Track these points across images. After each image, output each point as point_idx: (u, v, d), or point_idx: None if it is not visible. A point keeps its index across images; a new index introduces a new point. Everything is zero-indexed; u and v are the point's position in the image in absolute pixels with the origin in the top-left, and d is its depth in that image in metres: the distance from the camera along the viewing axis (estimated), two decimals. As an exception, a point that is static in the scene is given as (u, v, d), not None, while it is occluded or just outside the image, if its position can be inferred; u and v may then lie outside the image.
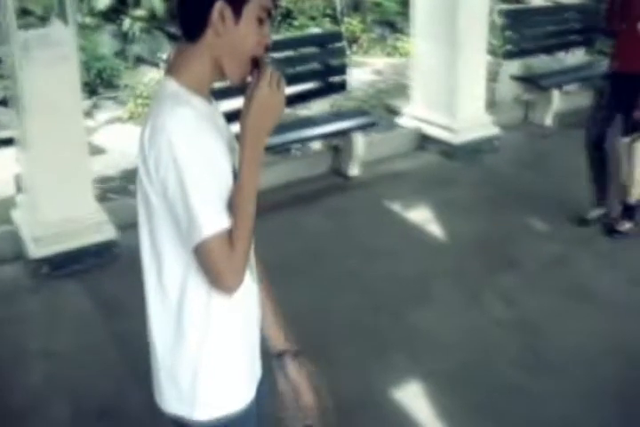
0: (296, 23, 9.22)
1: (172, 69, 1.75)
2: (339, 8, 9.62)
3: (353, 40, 9.26)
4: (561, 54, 7.88)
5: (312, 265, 4.65)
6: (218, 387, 1.82)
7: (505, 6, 8.28)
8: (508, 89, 7.28)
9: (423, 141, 6.48)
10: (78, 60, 4.61)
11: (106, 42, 8.35)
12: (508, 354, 3.84)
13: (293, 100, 5.63)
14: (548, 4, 8.26)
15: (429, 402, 3.50)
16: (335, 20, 9.55)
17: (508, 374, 3.68)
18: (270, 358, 2.02)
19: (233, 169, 1.70)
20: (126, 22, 8.52)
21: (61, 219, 4.54)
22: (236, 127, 1.74)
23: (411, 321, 4.10)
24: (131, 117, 7.00)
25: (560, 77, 7.17)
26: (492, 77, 7.12)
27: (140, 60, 8.40)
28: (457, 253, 4.83)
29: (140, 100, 7.00)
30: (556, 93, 6.95)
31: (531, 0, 8.92)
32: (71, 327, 4.11)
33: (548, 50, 7.68)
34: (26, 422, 3.42)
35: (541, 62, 7.67)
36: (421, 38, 6.53)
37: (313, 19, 9.42)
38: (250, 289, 1.84)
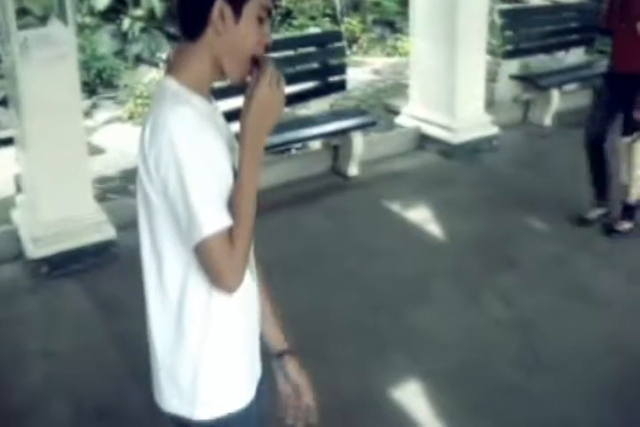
0: (296, 23, 9.22)
1: (171, 68, 1.75)
2: (338, 8, 9.63)
3: (352, 40, 9.27)
4: (560, 54, 7.90)
5: (311, 265, 4.65)
6: (218, 386, 1.82)
7: (504, 6, 8.29)
8: (508, 88, 7.28)
9: (422, 141, 6.48)
10: (77, 60, 4.60)
11: (105, 42, 8.35)
12: (507, 354, 3.85)
13: (293, 99, 5.63)
14: (547, 3, 8.27)
15: (428, 402, 3.50)
16: (335, 19, 9.56)
17: (507, 373, 3.68)
18: (270, 358, 2.02)
19: (233, 168, 1.70)
20: (125, 22, 8.53)
21: (60, 219, 4.54)
22: (235, 126, 1.75)
23: (410, 321, 4.10)
24: (130, 117, 7.01)
25: (559, 77, 7.18)
26: (492, 77, 7.12)
27: (139, 60, 8.40)
28: (456, 253, 4.83)
29: (139, 100, 7.00)
30: (555, 93, 6.94)
31: (530, -1, 8.94)
32: (70, 327, 4.11)
33: (547, 49, 7.70)
34: (25, 423, 3.42)
35: (540, 62, 7.69)
36: (420, 38, 6.53)
37: (312, 18, 9.43)
38: (250, 288, 1.84)
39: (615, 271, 4.55)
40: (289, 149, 6.05)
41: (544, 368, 3.72)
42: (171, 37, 8.54)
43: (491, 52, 7.17)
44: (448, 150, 6.28)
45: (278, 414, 2.05)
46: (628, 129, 4.67)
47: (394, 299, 4.30)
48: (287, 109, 5.70)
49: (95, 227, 4.68)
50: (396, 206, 5.48)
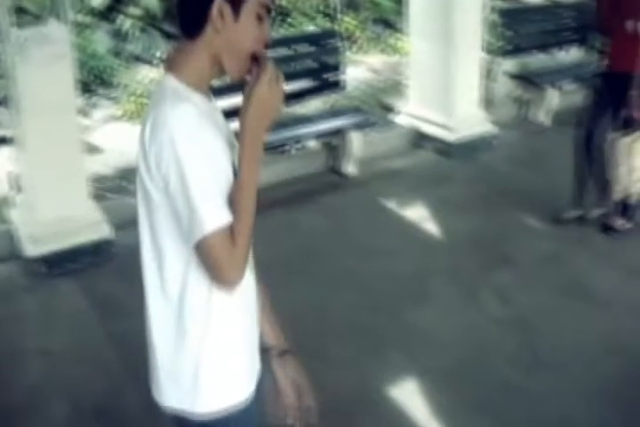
0: (291, 21, 9.20)
1: (171, 66, 1.76)
2: (334, 6, 9.61)
3: (348, 38, 9.25)
4: (556, 52, 7.89)
5: (309, 263, 4.64)
6: (219, 381, 1.83)
7: (501, 4, 8.27)
8: (504, 87, 7.28)
9: (419, 139, 6.48)
10: (74, 59, 4.60)
11: (101, 40, 8.32)
12: (505, 352, 3.85)
13: (289, 98, 5.62)
14: (545, 2, 8.26)
15: (426, 400, 3.50)
16: (332, 18, 9.54)
17: (506, 372, 3.69)
18: (269, 357, 2.03)
19: (233, 166, 1.71)
20: (121, 20, 8.51)
21: (58, 218, 4.53)
22: (234, 124, 1.75)
23: (408, 319, 4.10)
24: (127, 116, 6.99)
25: (556, 75, 7.17)
26: (487, 75, 7.11)
27: (136, 59, 8.38)
28: (453, 251, 4.83)
29: (134, 99, 6.99)
30: (551, 91, 6.95)
31: (526, -2, 8.92)
32: (68, 326, 4.11)
33: (544, 48, 7.68)
34: (23, 421, 3.41)
35: (537, 60, 7.68)
36: (417, 37, 6.53)
37: (309, 17, 9.41)
38: (250, 285, 1.86)
39: (613, 269, 4.55)
40: (287, 148, 6.03)
41: (542, 367, 3.72)
42: (168, 36, 8.52)
43: (486, 50, 7.16)
44: (445, 149, 6.28)
45: (278, 413, 2.05)
46: (619, 127, 4.66)
47: (392, 297, 4.30)
48: (284, 108, 5.68)
49: (92, 226, 4.68)
50: (393, 205, 5.48)
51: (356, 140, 5.88)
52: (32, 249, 4.54)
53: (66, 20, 4.40)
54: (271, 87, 1.70)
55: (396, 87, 7.45)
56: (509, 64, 7.31)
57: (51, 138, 4.44)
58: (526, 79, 7.13)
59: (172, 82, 1.72)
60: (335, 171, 5.99)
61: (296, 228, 5.09)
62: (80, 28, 7.92)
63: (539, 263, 4.66)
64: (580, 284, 4.42)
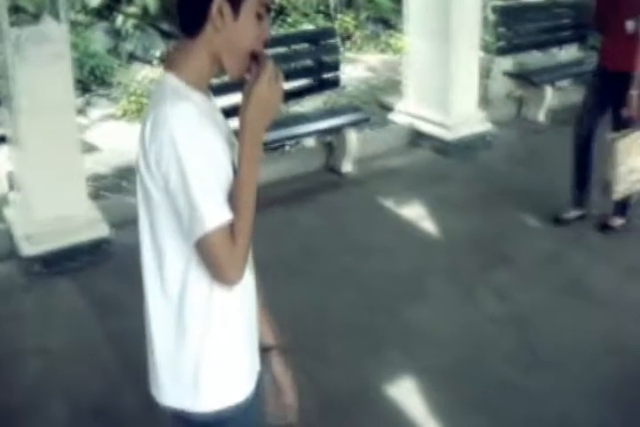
0: (289, 20, 9.20)
1: (171, 65, 1.76)
2: (332, 5, 9.61)
3: (346, 37, 9.25)
4: (554, 50, 7.90)
5: (306, 262, 4.65)
6: (220, 379, 1.83)
7: (498, 2, 8.28)
8: (501, 85, 7.29)
9: (416, 138, 6.48)
10: (71, 58, 4.59)
11: (99, 39, 8.32)
12: (503, 350, 3.85)
13: (286, 96, 5.60)
14: (542, 0, 8.26)
15: (424, 398, 3.50)
16: (328, 16, 9.54)
17: (503, 370, 3.69)
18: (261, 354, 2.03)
19: (232, 164, 1.72)
20: (119, 19, 8.49)
21: (54, 217, 4.53)
22: (233, 123, 1.75)
23: (405, 318, 4.10)
24: (124, 115, 6.98)
25: (553, 74, 7.19)
26: (485, 74, 7.12)
27: (132, 58, 8.37)
28: (451, 250, 4.83)
29: (133, 98, 6.97)
30: (548, 90, 6.96)
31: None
32: (65, 325, 4.10)
33: (541, 46, 7.70)
34: (21, 420, 3.41)
35: (534, 59, 7.68)
36: (414, 35, 6.53)
37: (306, 15, 9.41)
38: (249, 283, 1.86)
39: (611, 268, 4.55)
40: (283, 147, 6.04)
41: (541, 366, 3.72)
42: (166, 35, 8.52)
43: (484, 48, 7.17)
44: (442, 147, 6.28)
45: (277, 413, 2.07)
46: (618, 127, 4.66)
47: (390, 296, 4.30)
48: (283, 107, 5.70)
49: (90, 225, 4.68)
50: (390, 203, 5.48)
51: (353, 139, 5.88)
52: (30, 248, 4.53)
53: (64, 19, 4.39)
54: (271, 86, 1.70)
55: (394, 86, 7.45)
56: (507, 63, 7.32)
57: (49, 137, 4.43)
58: (524, 78, 7.14)
59: (172, 80, 1.73)
60: (333, 169, 5.99)
61: (294, 226, 5.09)
62: (78, 27, 7.92)
63: (537, 262, 4.66)
64: (578, 283, 4.42)
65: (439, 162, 6.19)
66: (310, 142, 6.15)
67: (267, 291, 2.02)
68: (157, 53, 8.07)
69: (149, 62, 8.05)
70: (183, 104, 1.65)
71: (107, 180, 5.71)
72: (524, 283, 4.42)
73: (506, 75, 7.25)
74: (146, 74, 7.38)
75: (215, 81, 1.85)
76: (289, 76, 5.75)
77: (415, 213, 5.31)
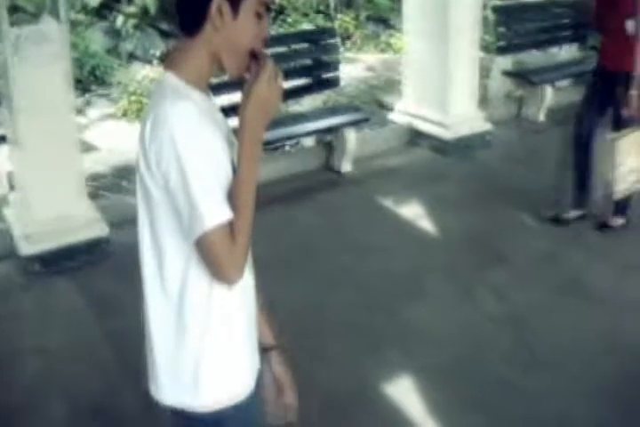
0: (289, 19, 9.21)
1: (170, 64, 1.77)
2: (332, 4, 9.62)
3: (346, 36, 9.26)
4: (553, 50, 7.90)
5: (305, 261, 4.65)
6: (220, 377, 1.84)
7: (497, 2, 8.29)
8: (500, 85, 7.29)
9: (415, 137, 6.48)
10: (70, 57, 4.59)
11: (98, 39, 8.32)
12: (500, 349, 3.85)
13: (286, 96, 5.60)
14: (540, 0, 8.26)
15: (422, 397, 3.50)
16: (328, 16, 9.55)
17: (501, 369, 3.69)
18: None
19: (232, 163, 1.72)
20: (118, 19, 8.50)
21: (53, 216, 4.53)
22: (232, 121, 1.76)
23: (403, 317, 4.11)
24: (123, 114, 6.99)
25: (552, 73, 7.19)
26: (485, 73, 7.12)
27: (132, 57, 8.38)
28: (449, 249, 4.84)
29: (132, 98, 6.98)
30: (547, 89, 6.96)
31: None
32: (63, 325, 4.10)
33: (540, 46, 7.71)
34: (20, 420, 3.41)
35: (534, 58, 7.68)
36: (413, 34, 6.53)
37: (306, 15, 9.41)
38: (248, 281, 1.87)
39: (609, 267, 4.56)
40: (282, 146, 6.05)
41: (538, 364, 3.72)
42: (164, 34, 8.52)
43: (484, 48, 7.17)
44: (441, 146, 6.29)
45: (278, 412, 2.07)
46: (618, 126, 4.66)
47: (387, 295, 4.30)
48: (281, 106, 5.69)
49: (88, 224, 4.68)
50: (389, 202, 5.48)
51: (352, 138, 5.88)
52: (28, 247, 4.54)
53: (62, 18, 4.39)
54: (270, 85, 1.71)
55: (392, 85, 7.46)
56: (507, 62, 7.32)
57: (48, 137, 4.44)
58: (522, 77, 7.14)
59: (172, 80, 1.73)
60: (331, 168, 5.99)
61: (293, 225, 5.10)
62: (77, 26, 7.92)
63: (534, 261, 4.67)
64: (576, 281, 4.42)
65: (438, 161, 6.19)
66: (309, 142, 6.15)
67: (265, 290, 2.02)
68: (157, 53, 8.08)
69: (149, 62, 8.06)
70: (183, 103, 1.66)
71: (106, 179, 5.71)
72: (522, 282, 4.42)
73: (505, 74, 7.25)
74: (145, 74, 7.39)
75: (214, 80, 1.85)
76: (288, 75, 5.76)
77: (414, 212, 5.31)
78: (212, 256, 1.67)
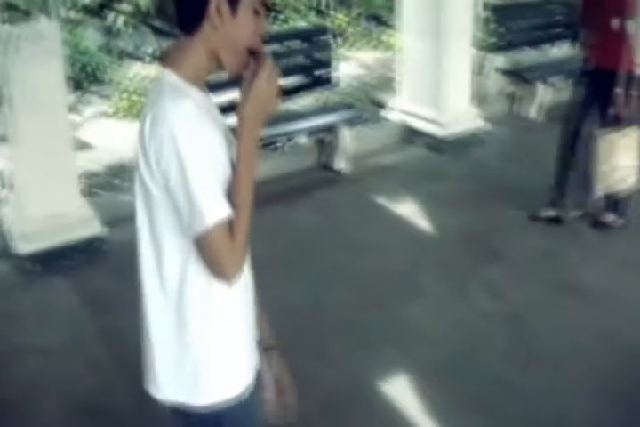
0: (282, 17, 9.19)
1: (169, 62, 1.78)
2: (324, 2, 9.60)
3: (339, 34, 9.24)
4: (547, 48, 7.90)
5: (300, 259, 4.65)
6: (219, 373, 1.85)
7: (491, 0, 8.28)
8: (495, 82, 7.29)
9: (410, 135, 6.48)
10: (62, 55, 4.58)
11: (91, 36, 8.30)
12: (497, 348, 3.85)
13: (280, 94, 5.61)
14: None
15: (418, 396, 3.50)
16: (322, 13, 9.53)
17: (498, 368, 3.69)
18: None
19: (231, 161, 1.73)
20: (111, 17, 8.47)
21: (49, 215, 4.52)
22: (228, 119, 1.75)
23: (399, 315, 4.11)
24: (116, 112, 6.97)
25: (547, 71, 7.18)
26: (479, 71, 7.12)
27: (125, 55, 8.35)
28: (445, 247, 4.84)
29: (125, 95, 6.97)
30: (542, 87, 6.96)
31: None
32: (59, 324, 4.10)
33: (535, 44, 7.69)
34: (15, 418, 3.41)
35: (528, 56, 7.68)
36: (408, 32, 6.53)
37: (300, 13, 9.40)
38: (247, 278, 1.88)
39: (604, 264, 4.56)
40: (277, 144, 6.03)
41: (535, 363, 3.73)
42: (157, 32, 8.50)
43: (478, 46, 7.16)
44: (436, 144, 6.29)
45: (278, 412, 2.07)
46: (605, 125, 4.66)
47: (383, 293, 4.30)
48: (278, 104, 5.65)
49: (82, 223, 4.67)
50: (384, 200, 5.48)
51: (347, 137, 5.88)
52: (24, 247, 4.53)
53: (56, 16, 4.39)
54: (269, 83, 1.73)
55: (387, 83, 7.44)
56: (501, 60, 7.31)
57: (41, 135, 4.42)
58: (517, 75, 7.14)
59: (171, 77, 1.74)
60: (327, 167, 5.99)
61: (288, 223, 5.09)
62: (71, 24, 7.90)
63: (530, 259, 4.67)
64: (572, 279, 4.42)
65: (432, 159, 6.19)
66: (304, 140, 6.14)
67: (262, 288, 2.02)
68: (150, 51, 8.06)
69: (142, 60, 8.04)
70: (182, 100, 1.67)
71: (99, 177, 5.70)
72: (517, 280, 4.42)
73: (499, 72, 7.26)
74: (138, 71, 7.38)
75: (211, 78, 1.85)
76: (282, 73, 5.74)
77: (409, 210, 5.31)
78: (211, 253, 1.68)
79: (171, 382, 1.85)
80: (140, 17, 8.61)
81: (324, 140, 5.99)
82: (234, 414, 1.85)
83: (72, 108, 6.45)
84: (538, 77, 6.99)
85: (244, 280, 1.84)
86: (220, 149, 1.70)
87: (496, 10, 7.29)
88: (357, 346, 3.85)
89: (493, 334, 3.95)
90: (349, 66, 8.42)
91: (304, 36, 6.35)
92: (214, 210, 1.64)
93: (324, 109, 6.21)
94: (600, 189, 4.61)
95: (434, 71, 6.24)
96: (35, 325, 4.08)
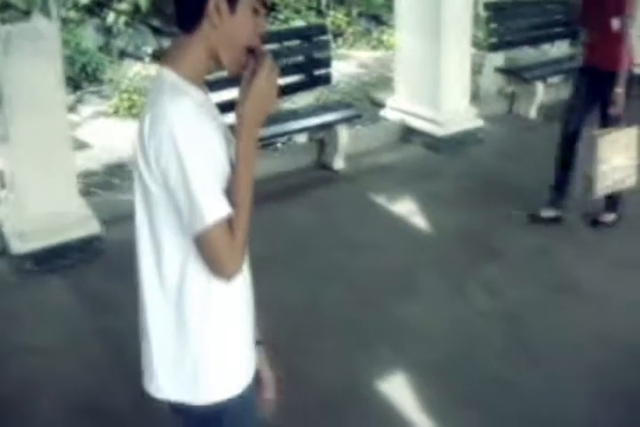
0: (281, 16, 9.19)
1: (168, 60, 1.78)
2: (324, 1, 9.60)
3: (338, 33, 9.25)
4: (545, 47, 7.91)
5: (297, 258, 4.65)
6: (220, 371, 1.86)
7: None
8: (493, 81, 7.30)
9: (408, 134, 6.48)
10: (62, 55, 4.58)
11: (90, 36, 8.29)
12: (493, 346, 3.86)
13: (279, 93, 5.61)
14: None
15: (415, 394, 3.51)
16: (320, 13, 9.53)
17: (494, 366, 3.70)
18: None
19: (230, 160, 1.74)
20: (110, 16, 8.47)
21: (45, 214, 4.52)
22: (227, 118, 1.76)
23: (396, 313, 4.11)
24: (115, 112, 6.97)
25: (544, 70, 7.20)
26: (477, 70, 7.13)
27: (124, 55, 8.36)
28: (442, 246, 4.84)
29: (124, 95, 6.97)
30: (539, 86, 6.97)
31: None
32: (56, 322, 4.10)
33: (533, 42, 7.71)
34: (12, 417, 3.41)
35: (526, 55, 7.69)
36: (405, 31, 6.54)
37: (298, 12, 9.40)
38: (246, 275, 1.89)
39: (601, 263, 4.57)
40: (275, 143, 6.04)
41: (532, 361, 3.73)
42: (156, 31, 8.50)
43: (476, 44, 7.18)
44: (433, 143, 6.29)
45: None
46: (604, 125, 4.67)
47: (380, 292, 4.31)
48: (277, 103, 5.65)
49: (80, 222, 4.67)
50: (382, 199, 5.48)
51: (344, 135, 5.89)
52: (20, 246, 4.53)
53: (53, 15, 4.38)
54: (269, 82, 1.74)
55: (384, 82, 7.45)
56: (498, 59, 7.32)
57: (40, 134, 4.43)
58: (515, 74, 7.15)
59: (170, 76, 1.74)
60: (324, 166, 5.99)
61: (285, 222, 5.09)
62: (68, 23, 7.89)
63: (527, 257, 4.68)
64: (568, 278, 4.43)
65: (430, 158, 6.20)
66: (302, 139, 6.15)
67: (257, 286, 2.03)
68: (149, 50, 8.06)
69: (141, 59, 8.04)
70: (182, 99, 1.67)
71: (98, 177, 5.70)
72: (514, 278, 4.43)
73: (497, 71, 7.26)
74: (137, 71, 7.38)
75: (210, 77, 1.85)
76: (280, 72, 5.75)
77: (406, 208, 5.32)
78: (211, 251, 1.69)
79: (170, 380, 1.85)
80: (139, 16, 8.61)
81: (322, 139, 6.00)
82: (234, 410, 1.87)
83: (71, 108, 6.46)
84: (536, 77, 7.00)
85: (243, 278, 1.85)
86: (220, 148, 1.71)
87: (495, 9, 7.30)
88: (355, 344, 3.85)
89: (491, 333, 3.96)
90: (348, 65, 8.43)
91: (302, 35, 6.35)
92: (214, 208, 1.65)
93: (322, 108, 6.21)
94: (600, 189, 4.61)
95: (432, 70, 6.24)
96: (32, 324, 4.09)
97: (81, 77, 7.67)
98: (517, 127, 6.84)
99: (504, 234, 4.95)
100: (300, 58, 6.17)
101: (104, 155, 6.02)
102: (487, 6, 7.41)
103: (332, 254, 4.70)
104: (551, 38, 7.78)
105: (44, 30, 4.34)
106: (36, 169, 4.48)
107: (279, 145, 6.15)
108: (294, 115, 5.93)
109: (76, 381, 3.62)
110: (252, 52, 1.76)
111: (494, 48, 7.23)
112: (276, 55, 5.99)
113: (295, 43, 6.26)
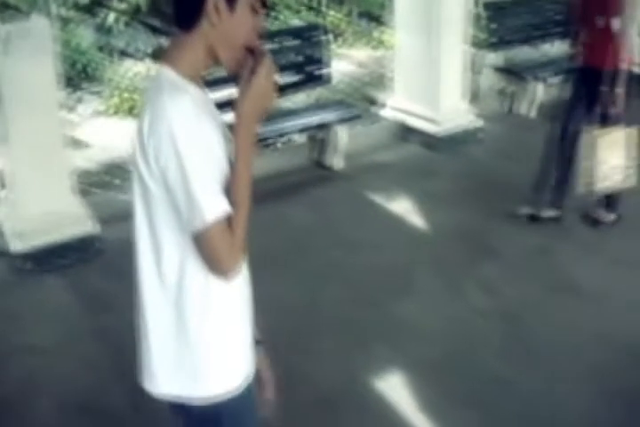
0: (280, 16, 9.19)
1: (167, 59, 1.79)
2: (322, 1, 9.60)
3: (334, 32, 9.24)
4: (544, 46, 7.90)
5: (295, 257, 4.65)
6: (219, 368, 1.87)
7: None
8: (491, 81, 7.30)
9: (405, 133, 6.48)
10: (59, 54, 4.58)
11: (88, 35, 8.29)
12: (491, 345, 3.86)
13: (277, 92, 5.62)
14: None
15: (413, 393, 3.51)
16: (319, 12, 9.53)
17: (493, 364, 3.70)
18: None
19: (228, 158, 1.74)
20: (109, 16, 8.47)
21: (43, 213, 4.52)
22: (225, 116, 1.77)
23: (394, 312, 4.11)
24: (114, 112, 6.97)
25: (541, 68, 7.18)
26: (475, 69, 7.12)
27: (123, 54, 8.35)
28: (440, 244, 4.84)
29: (123, 95, 6.97)
30: (536, 84, 6.96)
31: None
32: (54, 322, 4.10)
33: (529, 41, 7.69)
34: (9, 417, 3.41)
35: (522, 53, 7.69)
36: (404, 31, 6.53)
37: (297, 11, 9.39)
38: (244, 272, 1.90)
39: (599, 261, 4.56)
40: (273, 142, 6.04)
41: (530, 360, 3.73)
42: (155, 31, 8.49)
43: (475, 44, 7.16)
44: (431, 142, 6.29)
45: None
46: (603, 124, 4.67)
47: (378, 290, 4.31)
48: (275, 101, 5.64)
49: (78, 221, 4.67)
50: (379, 198, 5.48)
51: (341, 134, 5.88)
52: (18, 245, 4.53)
53: (49, 14, 4.39)
54: (267, 80, 1.74)
55: (381, 81, 7.45)
56: (494, 57, 7.32)
57: (34, 133, 4.42)
58: (511, 72, 7.15)
59: (169, 74, 1.75)
60: (321, 164, 5.99)
61: (282, 221, 5.09)
62: (64, 22, 7.89)
63: (525, 256, 4.68)
64: (566, 276, 4.43)
65: (428, 157, 6.19)
66: (300, 138, 6.14)
67: (256, 285, 2.03)
68: (148, 50, 8.05)
69: (140, 59, 8.04)
70: (180, 97, 1.68)
71: (96, 176, 5.70)
72: (511, 277, 4.43)
73: (496, 70, 7.26)
74: (136, 70, 7.38)
75: (209, 76, 1.86)
76: (279, 71, 5.75)
77: (404, 207, 5.32)
78: (210, 250, 1.70)
79: (170, 378, 1.86)
80: (138, 16, 8.61)
81: (319, 137, 5.99)
82: (233, 408, 1.87)
83: (70, 108, 6.46)
84: (532, 75, 6.98)
85: (242, 277, 1.86)
86: (219, 147, 1.72)
87: (490, 7, 7.29)
88: (352, 343, 3.85)
89: (489, 332, 3.96)
90: (343, 63, 8.42)
91: (301, 34, 6.34)
92: (213, 207, 1.66)
93: (319, 107, 6.21)
94: (600, 189, 4.61)
95: (428, 69, 6.23)
96: (30, 323, 4.09)
97: (80, 77, 7.67)
98: (513, 125, 6.84)
99: (503, 233, 4.94)
100: (300, 57, 6.16)
101: (103, 154, 6.02)
102: (487, 6, 7.39)
103: (331, 253, 4.71)
104: (546, 36, 7.76)
105: (40, 29, 4.34)
106: (35, 169, 4.48)
107: (277, 144, 6.14)
108: (293, 114, 5.92)
109: (75, 381, 3.63)
110: (250, 51, 1.77)
111: (489, 46, 7.22)
112: (275, 54, 5.98)
113: (295, 42, 6.25)
